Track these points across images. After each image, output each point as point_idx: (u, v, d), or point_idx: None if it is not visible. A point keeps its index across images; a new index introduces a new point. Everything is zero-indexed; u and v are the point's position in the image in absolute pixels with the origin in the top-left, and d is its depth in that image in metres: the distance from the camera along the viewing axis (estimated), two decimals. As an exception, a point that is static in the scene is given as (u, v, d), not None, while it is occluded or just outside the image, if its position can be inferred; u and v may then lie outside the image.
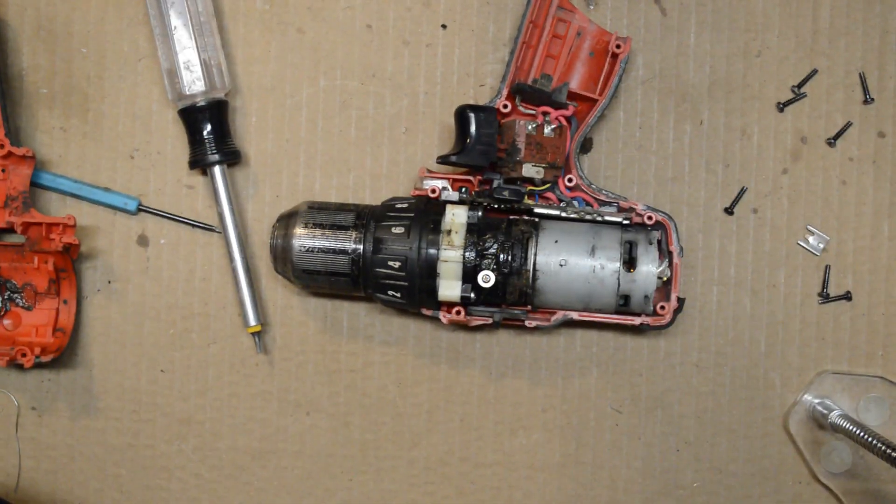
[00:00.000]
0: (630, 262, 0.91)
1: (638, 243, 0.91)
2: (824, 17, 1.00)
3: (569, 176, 0.94)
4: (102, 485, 1.00)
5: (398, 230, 0.90)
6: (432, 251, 0.90)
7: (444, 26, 1.00)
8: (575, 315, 0.93)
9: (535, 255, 0.91)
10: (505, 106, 0.93)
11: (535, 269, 0.91)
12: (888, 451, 0.87)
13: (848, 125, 1.00)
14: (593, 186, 0.95)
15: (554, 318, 0.93)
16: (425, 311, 0.94)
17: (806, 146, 1.00)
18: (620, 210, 0.94)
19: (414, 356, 1.00)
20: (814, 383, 0.99)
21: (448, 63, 1.00)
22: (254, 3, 1.00)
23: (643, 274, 0.91)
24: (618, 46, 0.93)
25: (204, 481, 1.00)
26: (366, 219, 0.92)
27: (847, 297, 1.00)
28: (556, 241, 0.91)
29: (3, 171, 0.95)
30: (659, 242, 0.93)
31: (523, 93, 0.93)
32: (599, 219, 0.93)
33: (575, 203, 0.95)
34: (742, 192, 1.00)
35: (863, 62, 1.00)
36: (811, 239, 1.00)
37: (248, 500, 1.00)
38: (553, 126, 0.92)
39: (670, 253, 0.93)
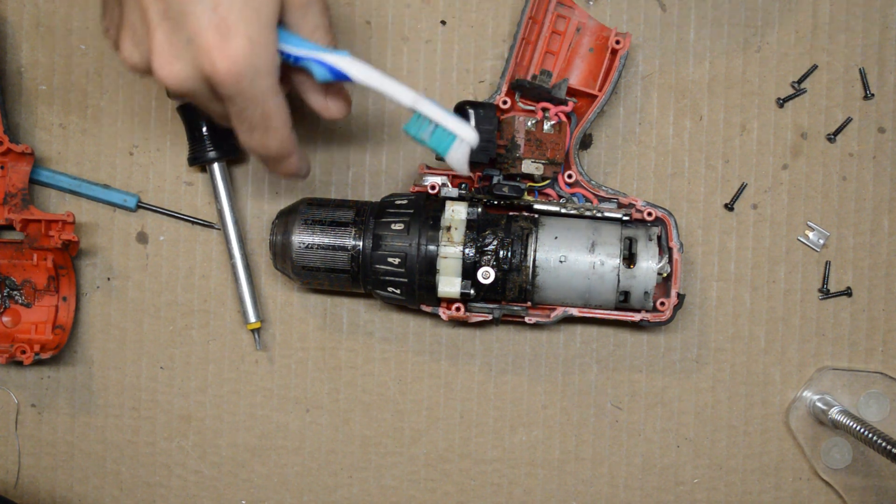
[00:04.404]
0: (630, 259, 0.91)
1: (638, 239, 0.91)
2: (824, 12, 1.00)
3: (568, 172, 0.94)
4: (102, 482, 1.00)
5: (398, 227, 0.90)
6: (432, 247, 0.90)
7: (443, 22, 1.00)
8: (575, 311, 0.93)
9: (535, 251, 0.90)
10: (504, 102, 0.93)
11: (534, 266, 0.90)
12: (889, 447, 0.87)
13: (848, 121, 1.00)
14: (593, 182, 0.95)
15: (554, 314, 0.93)
16: (425, 308, 0.94)
17: (806, 142, 1.00)
18: (620, 206, 0.94)
19: (414, 353, 1.00)
20: (814, 379, 0.99)
21: (447, 59, 1.00)
22: None
23: (643, 270, 0.91)
24: (617, 42, 0.93)
25: (204, 478, 1.00)
26: (365, 215, 0.92)
27: (847, 292, 1.00)
28: (556, 238, 0.91)
29: (1, 167, 0.95)
30: (659, 238, 0.93)
31: (523, 89, 0.93)
32: (599, 215, 0.93)
33: (574, 199, 0.95)
34: (742, 187, 0.99)
35: (863, 58, 1.00)
36: (811, 235, 1.00)
37: (247, 496, 1.00)
38: (552, 122, 0.91)
39: (670, 249, 0.93)
